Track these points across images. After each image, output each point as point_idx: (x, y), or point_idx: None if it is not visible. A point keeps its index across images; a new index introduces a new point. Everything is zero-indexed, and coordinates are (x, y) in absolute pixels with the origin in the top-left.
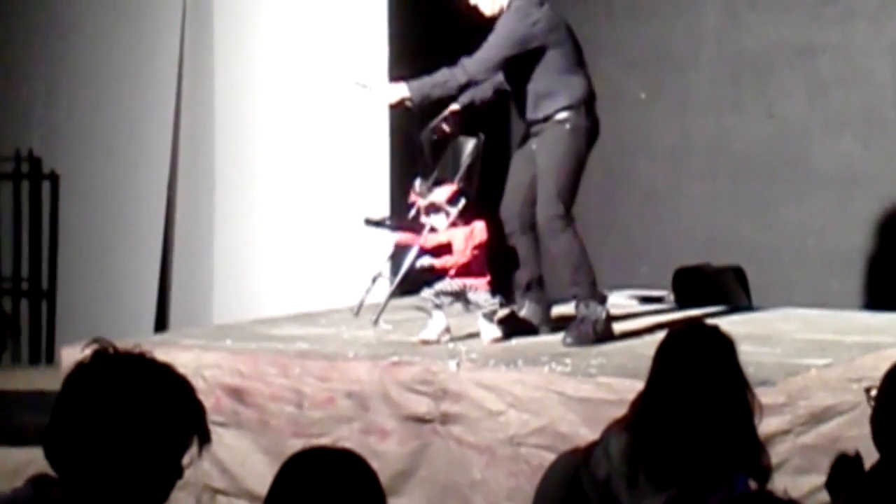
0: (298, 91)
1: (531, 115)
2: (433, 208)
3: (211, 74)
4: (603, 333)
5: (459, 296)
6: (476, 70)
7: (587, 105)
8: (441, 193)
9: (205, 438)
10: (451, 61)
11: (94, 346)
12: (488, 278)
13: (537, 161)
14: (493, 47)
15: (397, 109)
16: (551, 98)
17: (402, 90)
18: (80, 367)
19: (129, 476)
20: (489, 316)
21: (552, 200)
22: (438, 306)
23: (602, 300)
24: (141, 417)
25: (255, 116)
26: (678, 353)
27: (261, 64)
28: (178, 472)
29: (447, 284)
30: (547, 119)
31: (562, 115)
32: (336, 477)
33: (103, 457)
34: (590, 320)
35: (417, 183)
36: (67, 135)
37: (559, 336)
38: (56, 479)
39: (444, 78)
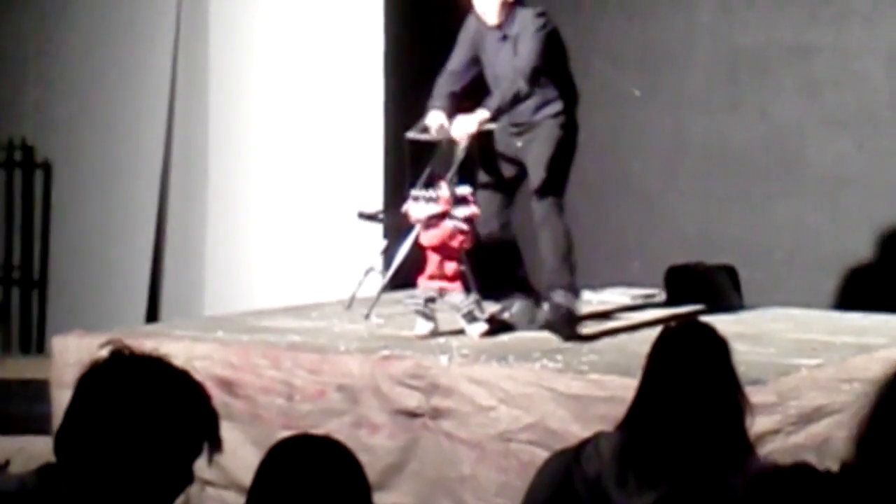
0: (292, 83)
1: (523, 117)
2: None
3: (205, 64)
4: (578, 325)
5: (435, 301)
6: (531, 81)
7: (574, 108)
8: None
9: (216, 447)
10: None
11: (112, 346)
12: (459, 284)
13: (528, 155)
14: (531, 56)
15: (481, 136)
16: (547, 101)
17: (481, 114)
18: (98, 367)
19: (138, 477)
20: (468, 316)
21: (549, 188)
22: (420, 312)
23: (577, 293)
24: (156, 421)
25: (248, 108)
26: (673, 351)
27: (255, 55)
28: (188, 478)
29: (423, 291)
30: (540, 120)
31: (556, 118)
32: (320, 464)
33: (115, 457)
34: (571, 308)
35: (413, 192)
36: (61, 124)
37: (550, 333)
38: (62, 472)
39: (512, 92)
